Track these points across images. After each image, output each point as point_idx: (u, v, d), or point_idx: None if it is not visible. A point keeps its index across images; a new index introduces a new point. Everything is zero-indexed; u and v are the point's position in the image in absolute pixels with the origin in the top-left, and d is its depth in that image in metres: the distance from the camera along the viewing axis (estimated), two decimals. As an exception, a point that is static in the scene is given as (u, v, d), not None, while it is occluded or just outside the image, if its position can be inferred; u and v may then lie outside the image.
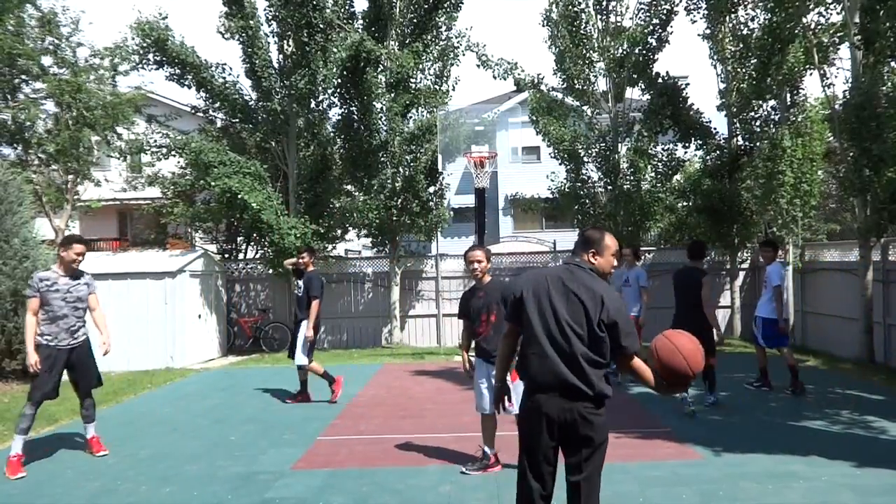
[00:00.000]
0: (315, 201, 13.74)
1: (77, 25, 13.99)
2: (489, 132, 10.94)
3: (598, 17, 13.51)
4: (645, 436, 6.21)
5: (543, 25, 13.81)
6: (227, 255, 15.81)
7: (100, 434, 6.18)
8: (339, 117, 14.22)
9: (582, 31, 13.50)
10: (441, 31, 14.16)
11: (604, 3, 13.43)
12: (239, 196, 12.32)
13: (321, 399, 8.02)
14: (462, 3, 14.07)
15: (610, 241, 3.25)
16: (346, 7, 13.98)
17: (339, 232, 14.49)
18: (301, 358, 7.84)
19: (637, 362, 3.16)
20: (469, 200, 20.53)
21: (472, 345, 5.32)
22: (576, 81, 13.60)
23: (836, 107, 10.41)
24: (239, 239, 16.41)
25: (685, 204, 14.21)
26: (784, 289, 8.17)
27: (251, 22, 13.03)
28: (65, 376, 5.95)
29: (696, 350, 3.12)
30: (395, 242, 13.90)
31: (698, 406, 7.24)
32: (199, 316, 12.07)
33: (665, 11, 13.21)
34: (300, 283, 8.00)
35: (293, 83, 12.94)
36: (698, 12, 13.25)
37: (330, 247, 14.27)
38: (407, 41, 13.99)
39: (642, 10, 13.38)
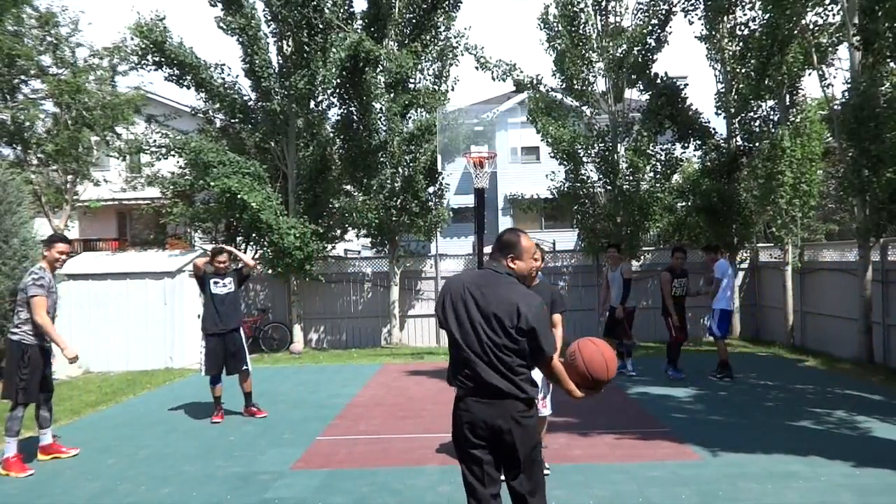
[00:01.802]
0: (314, 201, 13.74)
1: (76, 26, 14.00)
2: (488, 132, 10.88)
3: (598, 17, 13.51)
4: (644, 436, 6.22)
5: (541, 28, 13.83)
6: (226, 256, 15.78)
7: (100, 434, 6.17)
8: (339, 117, 14.23)
9: (581, 32, 13.50)
10: (440, 32, 14.16)
11: (603, 4, 13.42)
12: (238, 196, 12.32)
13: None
14: (461, 3, 14.08)
15: (527, 244, 3.24)
16: (346, 7, 13.98)
17: (338, 232, 14.49)
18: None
19: (556, 365, 3.16)
20: (468, 200, 20.52)
21: None
22: (575, 82, 13.60)
23: (835, 107, 10.41)
24: (238, 239, 16.39)
25: (684, 204, 14.22)
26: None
27: (251, 22, 13.03)
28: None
29: (613, 357, 3.26)
30: (394, 242, 13.90)
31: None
32: (199, 316, 12.04)
33: (664, 12, 13.22)
34: (225, 282, 7.41)
35: (292, 83, 12.93)
36: (696, 13, 13.26)
37: (329, 247, 14.27)
38: (406, 41, 14.00)
39: (641, 11, 13.39)
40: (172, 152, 13.99)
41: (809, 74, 11.53)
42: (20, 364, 5.47)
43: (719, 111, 13.38)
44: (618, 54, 13.30)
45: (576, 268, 14.55)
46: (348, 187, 15.20)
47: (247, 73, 13.44)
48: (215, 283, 7.27)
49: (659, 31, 13.27)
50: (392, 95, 13.48)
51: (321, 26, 12.92)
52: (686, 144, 13.65)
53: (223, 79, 13.57)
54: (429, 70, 14.18)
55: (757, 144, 12.63)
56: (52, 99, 13.57)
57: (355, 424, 6.98)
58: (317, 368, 11.15)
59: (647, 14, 13.27)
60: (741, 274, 13.95)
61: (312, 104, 13.78)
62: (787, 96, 11.94)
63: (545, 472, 4.93)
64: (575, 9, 13.34)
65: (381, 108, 13.47)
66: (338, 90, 13.80)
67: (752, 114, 12.81)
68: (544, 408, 5.07)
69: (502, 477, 3.13)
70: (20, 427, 5.57)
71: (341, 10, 13.78)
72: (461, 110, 12.95)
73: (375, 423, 6.99)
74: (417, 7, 13.95)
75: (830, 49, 10.97)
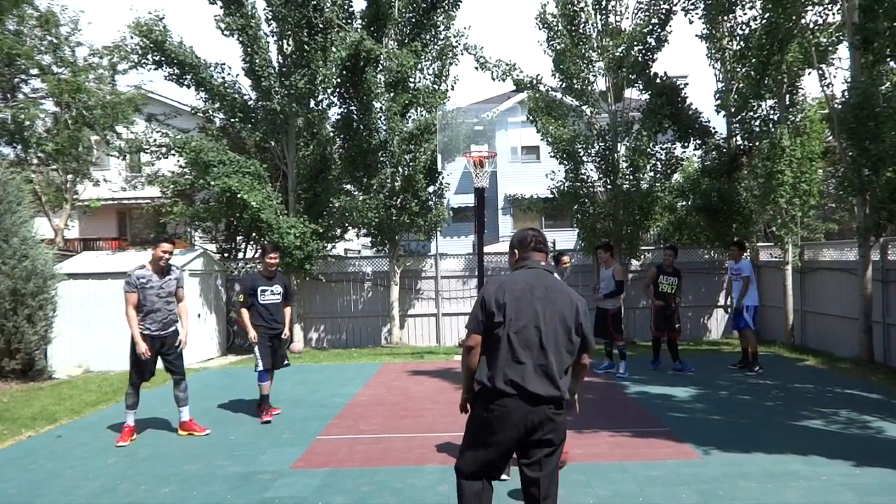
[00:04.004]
0: (314, 201, 13.73)
1: (76, 25, 14.01)
2: (488, 132, 10.89)
3: (598, 16, 13.51)
4: (644, 435, 6.22)
5: (540, 28, 13.83)
6: (226, 255, 15.80)
7: (100, 434, 6.18)
8: (339, 117, 14.22)
9: (581, 31, 13.50)
10: (440, 31, 14.16)
11: (603, 3, 13.42)
12: (238, 195, 12.31)
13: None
14: (460, 3, 14.07)
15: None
16: (345, 6, 13.98)
17: (338, 231, 14.48)
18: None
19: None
20: (468, 200, 20.54)
21: None
22: (575, 81, 13.60)
23: (835, 106, 10.41)
24: (238, 238, 16.40)
25: (684, 203, 14.22)
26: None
27: (251, 21, 13.02)
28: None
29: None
30: (394, 242, 13.90)
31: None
32: (199, 315, 12.07)
33: (664, 11, 13.21)
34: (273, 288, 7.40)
35: (293, 83, 12.93)
36: (696, 12, 13.26)
37: (329, 246, 14.27)
38: (406, 41, 14.00)
39: (641, 10, 13.38)
40: (172, 151, 13.98)
41: (809, 74, 11.54)
42: (131, 349, 6.32)
43: (719, 110, 13.39)
44: (618, 54, 13.29)
45: (575, 267, 14.52)
46: (348, 187, 15.20)
47: (247, 73, 13.43)
48: (262, 291, 7.18)
49: (659, 30, 13.26)
50: (392, 95, 13.48)
51: (321, 25, 12.91)
52: (686, 144, 13.64)
53: (223, 78, 13.56)
54: (429, 69, 14.18)
55: (757, 144, 12.62)
56: (53, 98, 13.58)
57: (355, 424, 6.98)
58: (317, 368, 11.16)
59: (647, 13, 13.26)
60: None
61: (312, 103, 13.77)
62: (787, 96, 11.94)
63: (506, 477, 4.92)
64: (575, 8, 13.33)
65: (381, 108, 13.47)
66: (338, 89, 13.79)
67: (752, 113, 12.80)
68: None
69: (506, 477, 3.17)
70: (134, 401, 6.39)
71: (341, 10, 13.78)
72: (461, 110, 12.95)
73: (375, 423, 6.99)
74: (417, 6, 13.94)
75: (830, 48, 10.96)
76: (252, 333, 7.06)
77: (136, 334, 6.21)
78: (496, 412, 3.12)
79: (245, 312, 7.14)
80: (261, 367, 7.14)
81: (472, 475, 3.22)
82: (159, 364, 6.52)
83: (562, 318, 3.17)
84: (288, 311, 7.44)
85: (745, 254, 10.25)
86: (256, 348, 7.13)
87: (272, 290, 7.22)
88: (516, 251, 3.46)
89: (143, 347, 6.18)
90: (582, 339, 3.24)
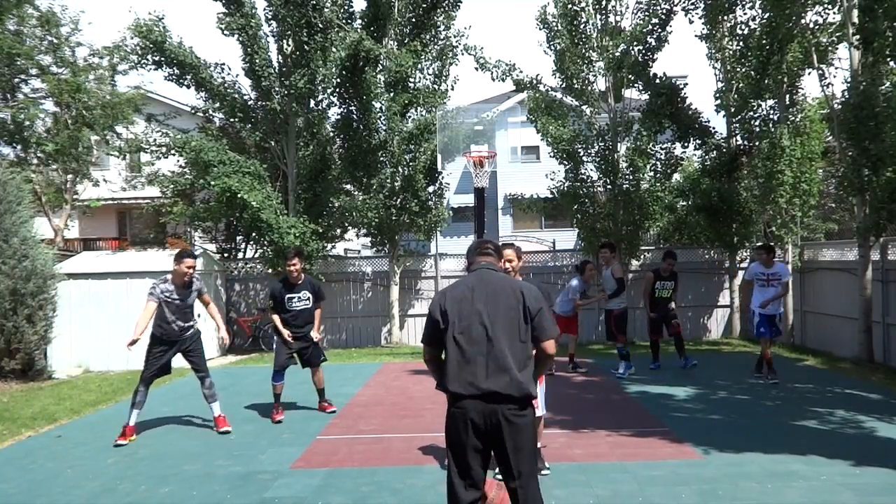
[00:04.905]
0: (314, 201, 13.73)
1: (76, 25, 14.00)
2: (488, 132, 10.90)
3: (597, 16, 13.50)
4: (644, 435, 6.21)
5: (540, 28, 13.82)
6: (226, 255, 15.81)
7: (100, 433, 6.18)
8: (339, 117, 14.22)
9: (581, 31, 13.50)
10: (439, 31, 14.16)
11: (603, 3, 13.42)
12: (238, 195, 12.31)
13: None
14: (460, 3, 14.07)
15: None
16: (345, 6, 13.98)
17: (338, 231, 14.48)
18: None
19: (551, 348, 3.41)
20: (468, 200, 20.52)
21: None
22: (575, 81, 13.60)
23: (835, 106, 10.41)
24: (238, 238, 16.40)
25: (684, 203, 14.22)
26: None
27: (251, 21, 13.02)
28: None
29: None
30: (394, 242, 13.90)
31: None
32: (199, 315, 12.03)
33: (664, 11, 13.21)
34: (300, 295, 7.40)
35: (292, 82, 12.93)
36: (696, 12, 13.25)
37: (329, 246, 14.27)
38: (405, 41, 14.00)
39: (641, 10, 13.38)
40: (172, 151, 13.99)
41: (809, 74, 11.53)
42: (148, 346, 6.53)
43: (719, 110, 13.39)
44: (618, 54, 13.29)
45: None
46: (348, 186, 15.20)
47: (247, 73, 13.44)
48: (289, 299, 7.19)
49: (659, 30, 13.26)
50: (392, 95, 13.48)
51: (321, 25, 12.91)
52: (686, 144, 13.64)
53: (223, 78, 13.57)
54: (428, 69, 14.18)
55: (757, 144, 12.62)
56: (52, 98, 13.58)
57: (355, 424, 6.98)
58: (317, 368, 11.13)
59: (647, 13, 13.26)
60: (741, 273, 13.94)
61: (312, 103, 13.77)
62: (787, 95, 11.94)
63: (545, 471, 4.92)
64: (575, 8, 13.33)
65: (380, 108, 13.47)
66: (338, 89, 13.79)
67: (752, 113, 12.81)
68: (537, 408, 5.06)
69: (497, 477, 3.14)
70: (140, 399, 6.45)
71: (341, 10, 13.79)
72: (461, 109, 12.97)
73: (375, 423, 6.99)
74: (417, 6, 13.94)
75: (830, 48, 10.96)
76: (286, 333, 7.15)
77: (139, 331, 6.21)
78: (457, 415, 3.12)
79: (276, 316, 7.23)
80: (275, 368, 7.24)
81: (454, 483, 3.15)
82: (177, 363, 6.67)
83: (507, 309, 3.17)
84: (318, 312, 7.39)
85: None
86: (275, 348, 7.26)
87: (299, 297, 7.17)
88: (470, 260, 3.53)
89: (133, 338, 6.07)
90: (534, 325, 3.18)
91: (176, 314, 6.49)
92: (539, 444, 4.73)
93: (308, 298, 7.23)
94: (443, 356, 3.25)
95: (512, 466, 3.08)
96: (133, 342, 6.09)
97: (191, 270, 6.46)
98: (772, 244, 10.31)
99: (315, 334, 7.34)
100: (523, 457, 3.10)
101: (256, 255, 15.06)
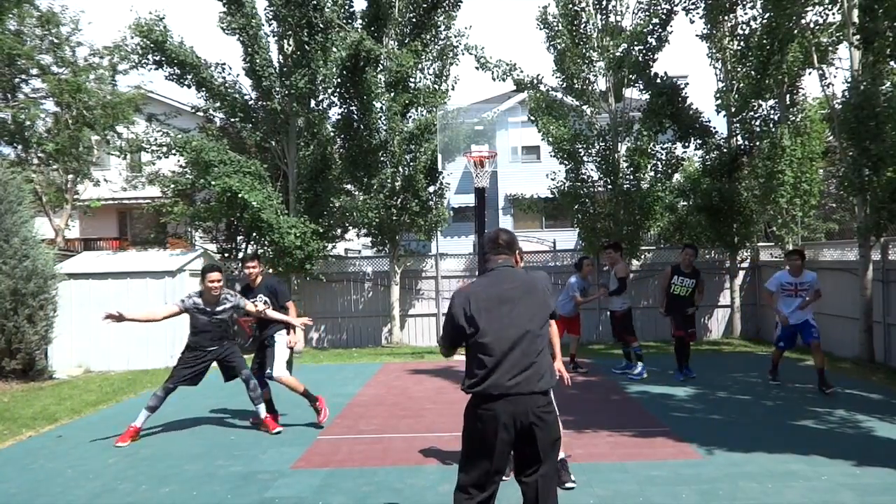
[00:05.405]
0: (315, 201, 13.74)
1: (77, 25, 14.02)
2: (489, 132, 10.92)
3: (598, 16, 13.51)
4: (644, 435, 6.21)
5: (541, 28, 13.82)
6: (226, 255, 15.81)
7: (101, 434, 6.18)
8: (339, 117, 14.22)
9: (581, 31, 13.50)
10: (440, 31, 14.16)
11: (603, 3, 13.42)
12: (239, 195, 12.32)
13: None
14: (461, 3, 14.08)
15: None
16: (346, 6, 13.98)
17: (338, 231, 14.48)
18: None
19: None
20: (469, 200, 20.54)
21: None
22: (575, 81, 13.60)
23: (836, 106, 10.41)
24: (239, 238, 16.40)
25: (685, 203, 14.21)
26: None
27: (252, 21, 13.03)
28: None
29: None
30: (394, 242, 13.90)
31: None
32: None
33: (665, 11, 13.21)
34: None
35: (293, 82, 12.94)
36: (696, 12, 13.25)
37: (330, 246, 14.27)
38: (406, 40, 14.00)
39: (642, 10, 13.38)
40: (173, 151, 13.99)
41: (809, 74, 11.54)
42: (183, 350, 6.59)
43: (720, 110, 13.38)
44: (618, 53, 13.29)
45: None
46: (349, 186, 15.21)
47: (247, 73, 13.45)
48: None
49: (660, 30, 13.26)
50: (392, 95, 13.48)
51: (321, 25, 12.92)
52: (687, 144, 13.64)
53: (223, 78, 13.58)
54: (429, 69, 14.18)
55: (757, 143, 12.62)
56: (53, 98, 13.59)
57: (355, 424, 6.98)
58: (317, 368, 11.15)
59: (647, 13, 13.26)
60: (741, 273, 13.95)
61: (313, 103, 13.78)
62: (788, 95, 11.94)
63: (569, 484, 4.79)
64: (576, 8, 13.33)
65: (381, 108, 13.47)
66: (338, 89, 13.80)
67: (752, 113, 12.81)
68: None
69: (508, 477, 3.14)
70: (155, 404, 6.38)
71: (341, 10, 13.79)
72: (461, 109, 12.97)
73: (376, 423, 6.99)
74: (417, 6, 13.94)
75: (830, 48, 10.97)
76: (303, 321, 7.13)
77: (128, 315, 6.02)
78: (485, 416, 3.12)
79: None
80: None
81: (473, 486, 3.16)
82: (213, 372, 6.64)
83: (532, 306, 3.23)
84: (291, 308, 7.18)
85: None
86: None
87: (255, 301, 6.82)
88: (486, 254, 3.52)
89: (119, 315, 5.87)
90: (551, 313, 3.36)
91: (207, 328, 6.46)
92: (563, 455, 4.69)
93: (266, 301, 6.87)
94: (462, 355, 3.30)
95: (541, 460, 3.14)
96: (111, 315, 5.83)
97: (214, 284, 6.35)
98: (803, 250, 9.43)
99: (296, 320, 6.98)
100: (552, 451, 3.20)
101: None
